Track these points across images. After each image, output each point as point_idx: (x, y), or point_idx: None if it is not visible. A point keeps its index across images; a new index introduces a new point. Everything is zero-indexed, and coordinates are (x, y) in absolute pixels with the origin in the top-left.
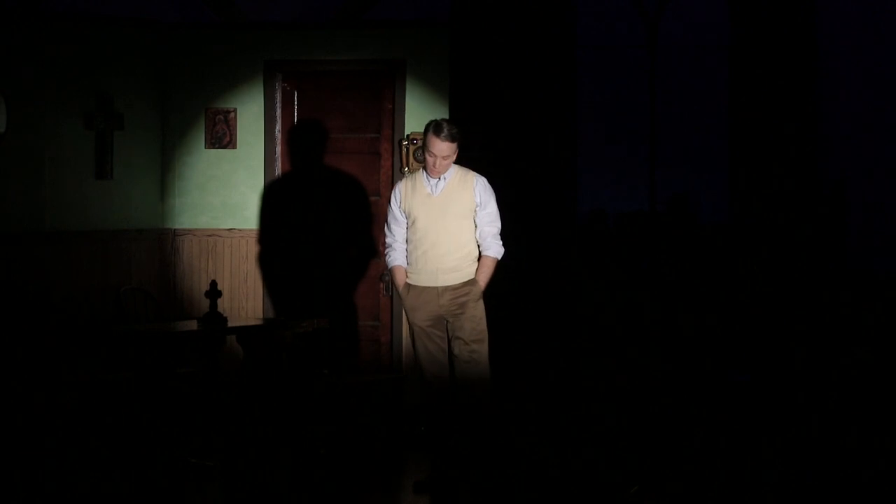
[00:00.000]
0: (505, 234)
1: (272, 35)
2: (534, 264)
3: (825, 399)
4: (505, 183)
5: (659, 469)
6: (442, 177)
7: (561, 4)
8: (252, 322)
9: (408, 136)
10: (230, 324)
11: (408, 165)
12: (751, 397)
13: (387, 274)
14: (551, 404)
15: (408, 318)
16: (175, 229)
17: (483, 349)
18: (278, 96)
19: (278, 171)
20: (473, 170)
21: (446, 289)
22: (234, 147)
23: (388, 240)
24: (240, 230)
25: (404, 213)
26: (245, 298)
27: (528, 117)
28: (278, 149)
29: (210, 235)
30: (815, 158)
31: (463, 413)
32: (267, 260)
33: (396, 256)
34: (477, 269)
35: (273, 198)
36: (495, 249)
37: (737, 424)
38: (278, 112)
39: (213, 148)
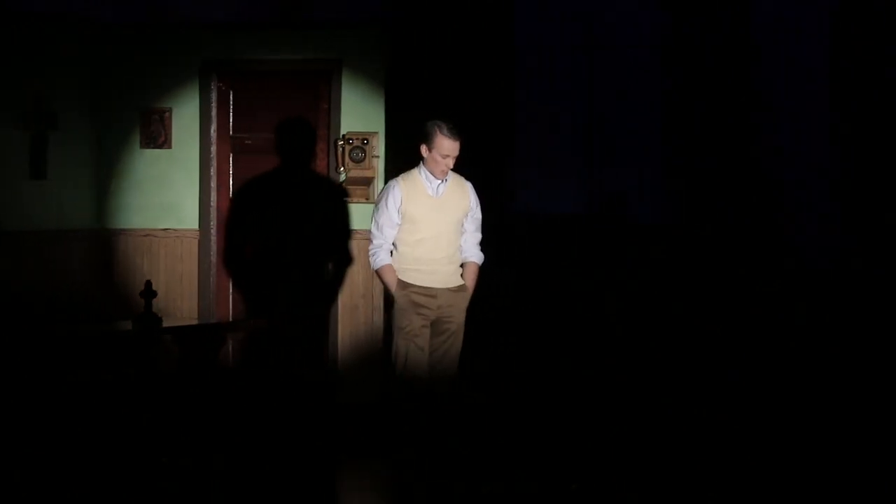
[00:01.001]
0: None
1: (208, 35)
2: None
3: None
4: None
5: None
6: (444, 178)
7: (498, 4)
8: (187, 322)
9: (343, 135)
10: (165, 324)
11: (343, 165)
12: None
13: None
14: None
15: (397, 318)
16: (110, 229)
17: (459, 348)
18: (214, 96)
19: (213, 171)
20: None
21: (443, 290)
22: (170, 147)
23: (376, 241)
24: (175, 230)
25: (401, 214)
26: (181, 299)
27: (465, 118)
28: (213, 148)
29: (145, 235)
30: (749, 158)
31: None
32: (205, 260)
33: (385, 256)
34: (464, 275)
35: (210, 197)
36: (479, 256)
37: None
38: (214, 112)
39: (149, 148)
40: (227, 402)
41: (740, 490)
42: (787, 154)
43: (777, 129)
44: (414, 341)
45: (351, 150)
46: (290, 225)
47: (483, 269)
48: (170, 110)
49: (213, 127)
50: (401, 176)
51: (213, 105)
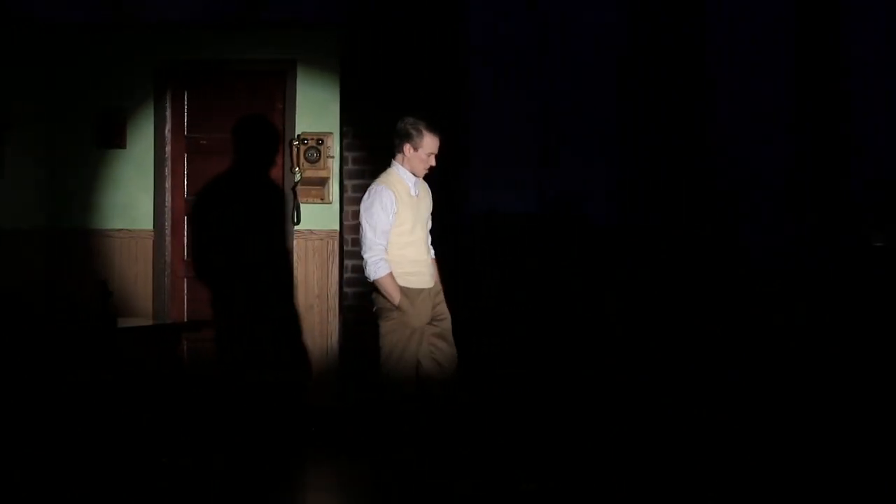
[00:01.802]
0: None
1: (163, 35)
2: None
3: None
4: None
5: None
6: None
7: (453, 4)
8: (142, 323)
9: (298, 136)
10: (120, 324)
11: (298, 165)
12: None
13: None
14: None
15: (402, 326)
16: (66, 228)
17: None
18: (168, 96)
19: (168, 171)
20: (363, 172)
21: (431, 288)
22: (124, 147)
23: (377, 248)
24: (130, 230)
25: (393, 217)
26: (135, 299)
27: (420, 118)
28: (168, 149)
29: (100, 235)
30: (705, 159)
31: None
32: (160, 260)
33: (387, 265)
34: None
35: (164, 198)
36: (432, 251)
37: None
38: (168, 112)
39: (104, 147)
40: (184, 401)
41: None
42: (743, 155)
43: (734, 130)
44: (416, 345)
45: (306, 151)
46: (245, 225)
47: (452, 269)
48: (125, 110)
49: (168, 127)
50: (381, 179)
51: (168, 105)
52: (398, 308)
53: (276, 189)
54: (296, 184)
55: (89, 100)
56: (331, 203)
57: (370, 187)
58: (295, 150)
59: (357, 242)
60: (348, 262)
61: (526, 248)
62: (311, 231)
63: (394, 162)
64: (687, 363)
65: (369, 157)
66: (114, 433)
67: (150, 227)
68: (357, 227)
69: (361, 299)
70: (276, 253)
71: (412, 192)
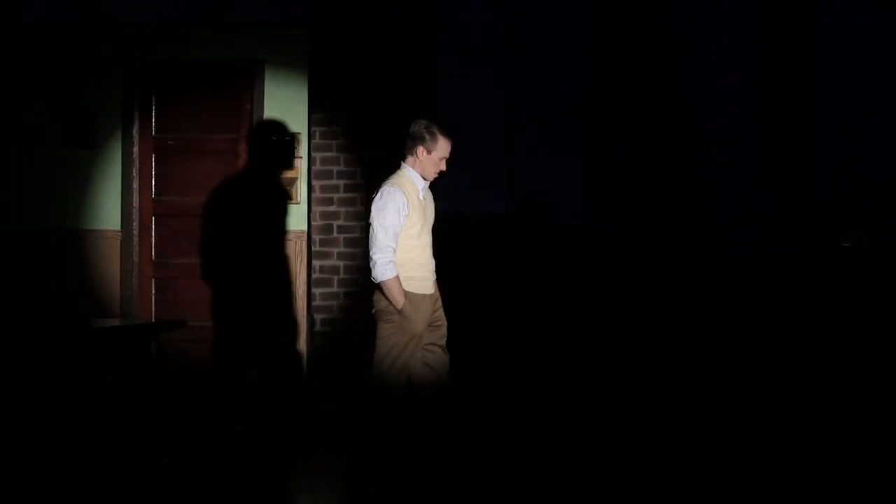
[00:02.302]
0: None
1: (132, 35)
2: None
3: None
4: (366, 184)
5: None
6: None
7: (422, 4)
8: (113, 323)
9: (268, 137)
10: (93, 325)
11: (266, 167)
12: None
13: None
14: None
15: (401, 330)
16: (34, 228)
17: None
18: (137, 96)
19: (136, 171)
20: (332, 172)
21: (433, 296)
22: (93, 147)
23: (389, 249)
24: (98, 230)
25: (404, 220)
26: (103, 299)
27: (389, 118)
28: (136, 149)
29: (69, 235)
30: (673, 159)
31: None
32: (127, 260)
33: (394, 267)
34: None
35: (132, 198)
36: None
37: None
38: (136, 112)
39: (72, 147)
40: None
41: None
42: (717, 155)
43: (704, 130)
44: (415, 352)
45: (275, 151)
46: (218, 225)
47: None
48: (93, 110)
49: (136, 127)
50: (393, 181)
51: (136, 105)
52: (400, 312)
53: (246, 189)
54: (265, 184)
55: (58, 100)
56: (299, 203)
57: (382, 188)
58: (264, 150)
59: (325, 243)
60: (316, 263)
61: (496, 249)
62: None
63: (404, 164)
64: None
65: (338, 157)
66: (82, 432)
67: (118, 227)
68: (326, 228)
69: (330, 299)
70: (249, 253)
71: (420, 197)
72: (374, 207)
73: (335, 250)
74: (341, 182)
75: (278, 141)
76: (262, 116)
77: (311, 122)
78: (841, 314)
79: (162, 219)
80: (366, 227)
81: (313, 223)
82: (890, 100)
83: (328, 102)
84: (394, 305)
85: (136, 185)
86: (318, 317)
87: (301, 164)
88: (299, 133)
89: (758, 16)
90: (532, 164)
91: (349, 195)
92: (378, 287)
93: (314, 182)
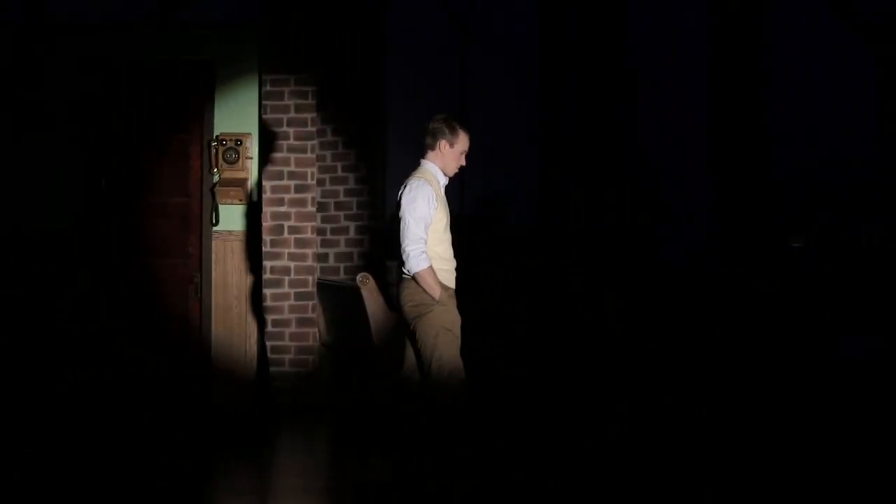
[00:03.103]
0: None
1: (83, 35)
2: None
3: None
4: (318, 184)
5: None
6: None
7: (371, 5)
8: None
9: (217, 136)
10: None
11: (216, 166)
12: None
13: (196, 274)
14: None
15: (442, 320)
16: None
17: None
18: (90, 96)
19: (89, 171)
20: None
21: (454, 289)
22: (49, 148)
23: (422, 241)
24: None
25: (433, 212)
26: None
27: (338, 119)
28: (85, 149)
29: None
30: (624, 161)
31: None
32: (68, 260)
33: (428, 258)
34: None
35: (81, 198)
36: None
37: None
38: (89, 112)
39: (29, 147)
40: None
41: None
42: (664, 158)
43: (654, 132)
44: (455, 341)
45: (224, 152)
46: (163, 227)
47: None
48: (47, 111)
49: (84, 128)
50: (419, 174)
51: (89, 105)
52: (438, 302)
53: (195, 190)
54: (214, 185)
55: (7, 100)
56: (250, 204)
57: (409, 182)
58: (213, 151)
59: (276, 244)
60: (267, 264)
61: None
62: (229, 232)
63: (426, 160)
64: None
65: (289, 158)
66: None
67: (66, 224)
68: (276, 229)
69: (280, 300)
70: (194, 254)
71: (442, 191)
72: (403, 200)
73: (286, 251)
74: (292, 183)
75: (228, 142)
76: (212, 117)
77: (261, 123)
78: (791, 312)
79: (114, 217)
80: (317, 229)
81: (264, 224)
82: (836, 105)
83: (279, 103)
84: (430, 295)
85: (85, 183)
86: (269, 317)
87: (251, 165)
88: (250, 133)
89: (702, 12)
90: (483, 165)
91: (300, 196)
92: (407, 282)
93: (265, 183)
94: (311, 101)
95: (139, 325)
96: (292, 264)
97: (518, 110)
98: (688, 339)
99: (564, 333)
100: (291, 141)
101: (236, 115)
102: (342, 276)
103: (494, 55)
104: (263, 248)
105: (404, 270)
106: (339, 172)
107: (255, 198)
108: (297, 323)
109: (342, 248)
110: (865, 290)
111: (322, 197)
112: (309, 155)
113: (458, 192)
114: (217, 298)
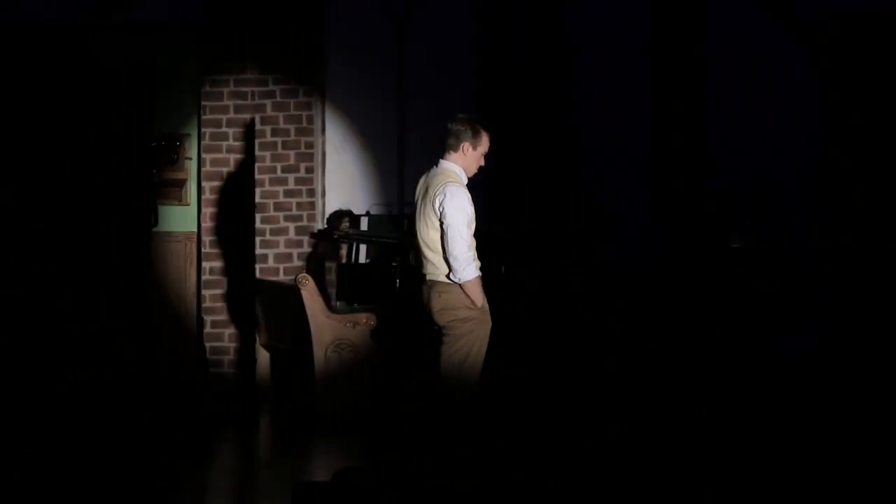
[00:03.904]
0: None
1: (22, 35)
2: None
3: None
4: (255, 185)
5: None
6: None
7: (310, 7)
8: None
9: (156, 137)
10: None
11: (155, 168)
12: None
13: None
14: None
15: (483, 325)
16: None
17: None
18: (25, 97)
19: (22, 174)
20: (221, 174)
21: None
22: None
23: (471, 247)
24: None
25: None
26: None
27: (276, 120)
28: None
29: None
30: (566, 164)
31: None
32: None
33: (476, 266)
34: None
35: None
36: None
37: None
38: (26, 114)
39: None
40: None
41: None
42: (606, 161)
43: (594, 134)
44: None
45: (163, 153)
46: (102, 228)
47: None
48: None
49: (26, 130)
50: (453, 179)
51: (26, 107)
52: (480, 308)
53: (135, 191)
54: (153, 186)
55: None
56: (189, 205)
57: (446, 188)
58: (152, 151)
59: (215, 244)
60: (206, 265)
61: (386, 249)
62: (168, 233)
63: (447, 162)
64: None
65: (228, 158)
66: None
67: None
68: (215, 229)
69: (218, 301)
70: (134, 256)
71: None
72: (449, 206)
73: (224, 252)
74: (231, 183)
75: (168, 142)
76: (151, 117)
77: (200, 124)
78: (730, 312)
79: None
80: (256, 230)
81: (203, 225)
82: (777, 111)
83: (218, 103)
84: (473, 301)
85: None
86: (207, 318)
87: (190, 166)
88: (189, 134)
89: (646, 17)
90: (422, 166)
91: (239, 196)
92: (444, 285)
93: (204, 183)
94: (250, 102)
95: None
96: (231, 265)
97: (457, 112)
98: (627, 337)
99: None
100: (230, 142)
101: (176, 115)
102: (282, 276)
103: (434, 57)
104: (202, 249)
105: (450, 277)
106: (279, 173)
107: (193, 198)
108: (236, 324)
109: (281, 249)
110: (800, 292)
111: (261, 198)
112: (248, 155)
113: (397, 192)
114: (156, 300)
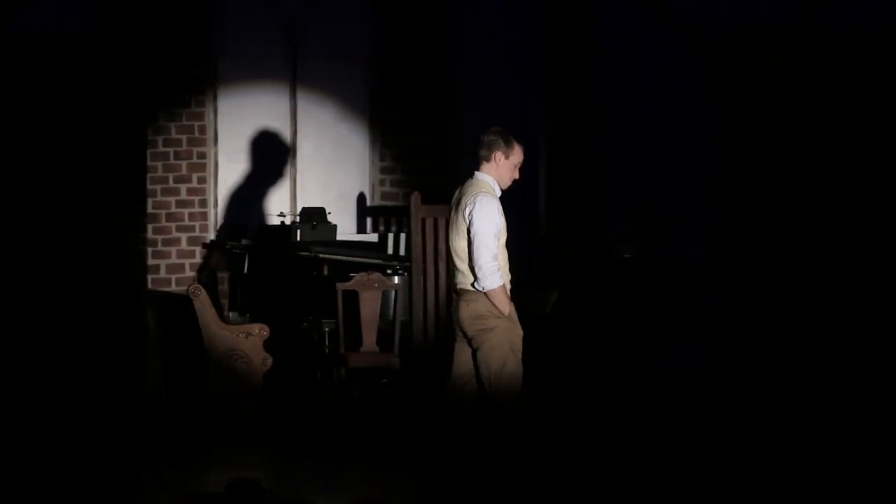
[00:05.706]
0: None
1: None
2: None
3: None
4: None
5: None
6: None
7: (199, 15)
8: None
9: None
10: None
11: None
12: None
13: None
14: None
15: (511, 332)
16: None
17: None
18: None
19: None
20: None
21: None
22: None
23: (495, 257)
24: None
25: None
26: None
27: (167, 130)
28: None
29: None
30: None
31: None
32: None
33: (500, 274)
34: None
35: None
36: None
37: None
38: None
39: None
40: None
41: None
42: None
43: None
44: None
45: None
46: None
47: None
48: None
49: None
50: (485, 189)
51: None
52: (507, 317)
53: None
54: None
55: None
56: None
57: (476, 197)
58: None
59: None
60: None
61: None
62: None
63: (481, 173)
64: None
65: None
66: None
67: None
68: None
69: None
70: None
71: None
72: (476, 216)
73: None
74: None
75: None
76: None
77: None
78: (620, 320)
79: None
80: (148, 240)
81: None
82: (670, 122)
83: (114, 110)
84: (499, 310)
85: None
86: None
87: None
88: None
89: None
90: (315, 175)
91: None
92: (471, 294)
93: None
94: (144, 111)
95: None
96: (122, 276)
97: (349, 119)
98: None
99: None
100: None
101: None
102: (174, 287)
103: (325, 65)
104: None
105: (475, 285)
106: (171, 184)
107: None
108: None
109: (174, 260)
110: (689, 303)
111: (153, 208)
112: (140, 165)
113: (289, 200)
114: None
